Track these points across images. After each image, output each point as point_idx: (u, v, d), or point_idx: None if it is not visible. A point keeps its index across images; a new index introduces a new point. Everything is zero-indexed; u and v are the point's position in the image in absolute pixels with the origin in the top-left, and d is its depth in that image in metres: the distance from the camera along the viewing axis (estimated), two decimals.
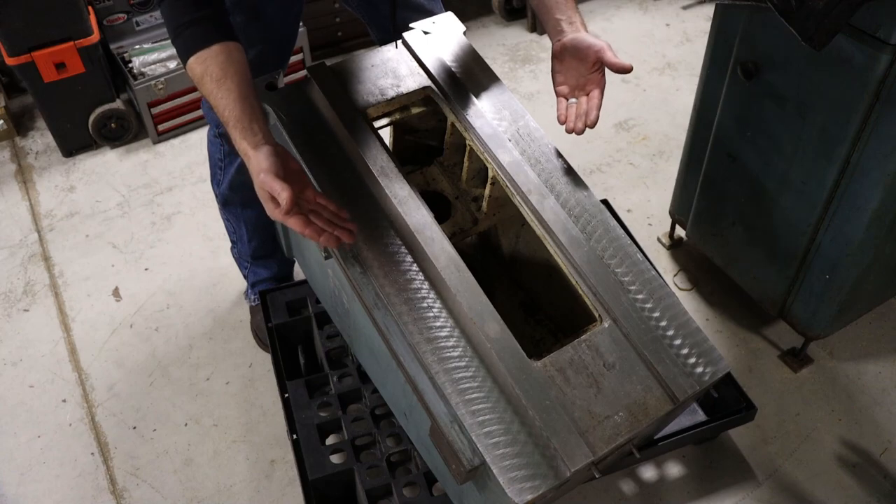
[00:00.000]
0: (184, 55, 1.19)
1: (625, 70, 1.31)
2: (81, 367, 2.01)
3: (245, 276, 2.02)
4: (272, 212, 1.16)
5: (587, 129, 1.34)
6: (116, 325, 2.10)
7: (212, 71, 1.17)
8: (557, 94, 1.38)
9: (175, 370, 2.00)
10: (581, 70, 1.34)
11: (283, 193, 1.11)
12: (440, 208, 1.61)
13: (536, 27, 3.05)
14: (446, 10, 1.59)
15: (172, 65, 2.55)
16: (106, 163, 2.59)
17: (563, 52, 1.35)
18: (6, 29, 2.26)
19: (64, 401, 1.94)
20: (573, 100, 1.36)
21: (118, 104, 2.54)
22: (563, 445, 1.17)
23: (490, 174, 1.45)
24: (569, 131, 1.34)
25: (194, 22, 1.18)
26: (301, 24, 2.06)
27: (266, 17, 1.51)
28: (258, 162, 1.15)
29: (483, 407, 1.18)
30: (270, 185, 1.13)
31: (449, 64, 1.48)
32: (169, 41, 2.60)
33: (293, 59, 2.70)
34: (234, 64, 1.19)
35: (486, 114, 1.43)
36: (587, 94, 1.35)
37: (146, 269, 2.24)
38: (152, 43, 2.63)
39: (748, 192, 1.76)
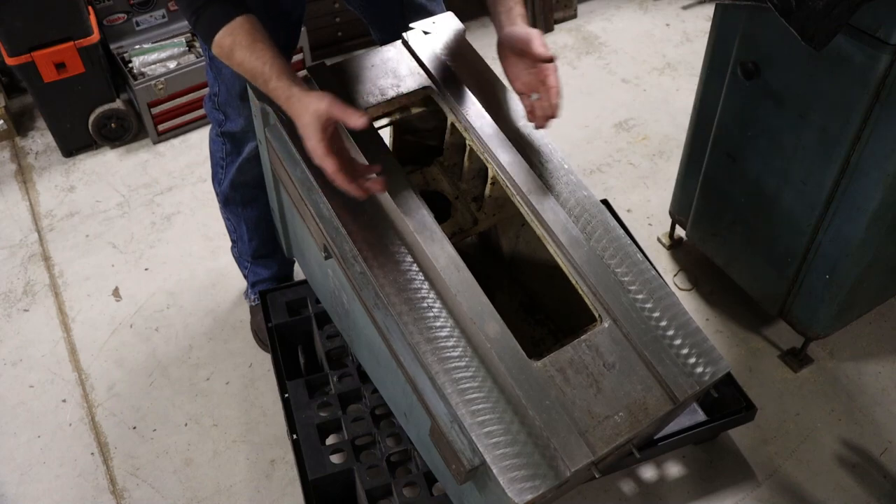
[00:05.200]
0: (209, 33, 1.22)
1: (547, 60, 1.25)
2: (81, 367, 2.01)
3: (245, 276, 2.02)
4: (319, 148, 1.17)
5: (553, 118, 1.30)
6: (116, 325, 2.10)
7: (240, 40, 1.20)
8: (517, 92, 1.35)
9: (175, 370, 2.00)
10: (526, 63, 1.30)
11: (355, 115, 1.14)
12: (440, 208, 1.61)
13: (536, 27, 3.05)
14: (446, 10, 1.59)
15: (172, 65, 2.55)
16: (106, 163, 2.59)
17: (502, 50, 1.33)
18: (6, 29, 2.26)
19: (64, 401, 1.94)
20: (535, 95, 1.32)
21: (118, 104, 2.54)
22: (563, 445, 1.17)
23: (490, 174, 1.45)
24: (537, 128, 1.33)
25: (212, 1, 1.21)
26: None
27: (272, 16, 1.50)
28: (319, 95, 1.17)
29: (483, 407, 1.18)
30: (341, 108, 1.15)
31: (449, 64, 1.48)
32: (169, 41, 2.63)
33: (293, 59, 2.70)
34: (261, 32, 1.22)
35: (486, 114, 1.43)
36: (545, 85, 1.29)
37: (146, 269, 2.24)
38: (152, 43, 2.63)
39: (748, 192, 1.76)
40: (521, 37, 1.28)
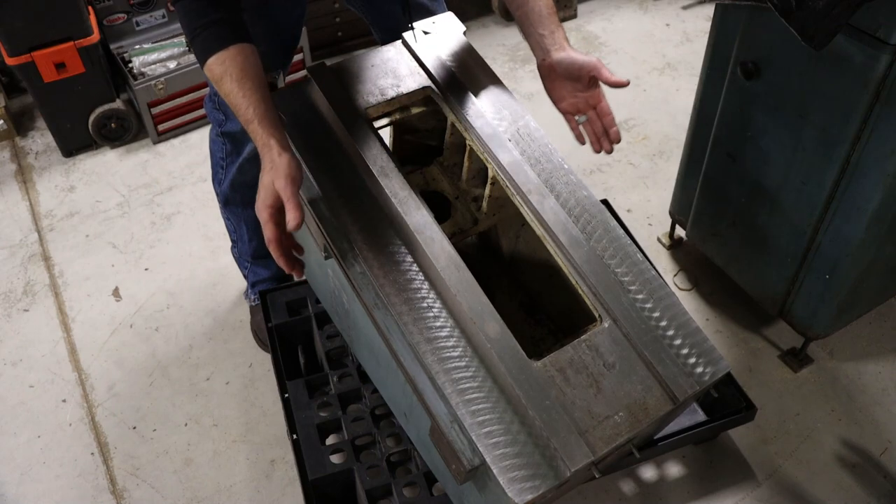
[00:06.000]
0: (202, 56, 1.21)
1: (622, 85, 1.30)
2: (81, 367, 2.01)
3: (245, 276, 2.02)
4: (265, 212, 1.16)
5: (618, 142, 1.34)
6: (116, 325, 2.10)
7: (232, 71, 1.20)
8: (562, 112, 1.37)
9: (175, 370, 2.00)
10: (577, 87, 1.34)
11: (295, 212, 1.13)
12: (440, 208, 1.61)
13: None
14: (447, 11, 1.60)
15: (172, 65, 2.55)
16: (106, 163, 2.59)
17: (552, 73, 1.35)
18: (6, 29, 2.26)
19: (64, 401, 1.94)
20: (582, 117, 1.35)
21: (118, 104, 2.54)
22: (563, 445, 1.17)
23: (490, 174, 1.45)
24: (597, 151, 1.34)
25: (212, 23, 1.20)
26: None
27: (271, 15, 1.51)
28: (287, 165, 1.16)
29: (483, 407, 1.18)
30: (291, 192, 1.14)
31: (449, 64, 1.48)
32: (169, 41, 2.63)
33: (293, 59, 2.70)
34: (253, 66, 1.22)
35: (486, 114, 1.43)
36: (595, 109, 1.33)
37: (146, 269, 2.24)
38: (152, 43, 2.63)
39: (748, 192, 1.76)
40: (586, 65, 1.31)
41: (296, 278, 1.20)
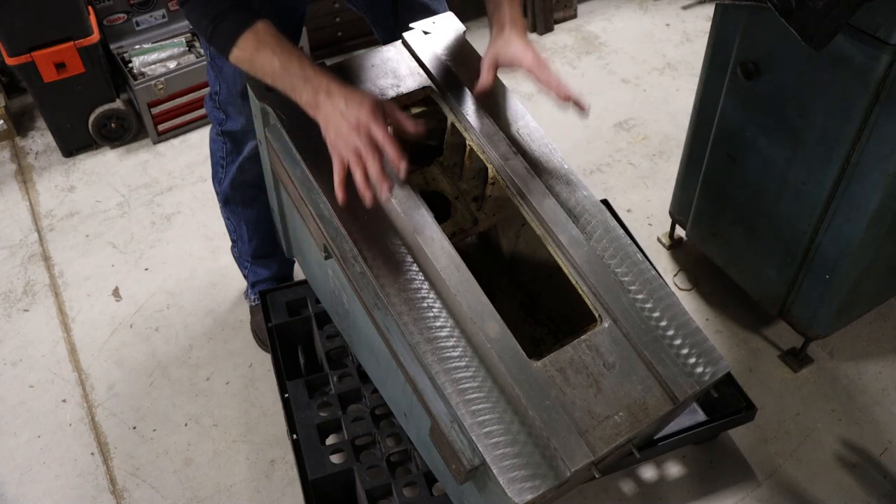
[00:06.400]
0: (232, 36, 1.24)
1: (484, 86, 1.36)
2: (81, 367, 2.01)
3: (245, 276, 2.02)
4: (381, 118, 1.20)
5: (570, 97, 1.30)
6: (116, 325, 2.10)
7: (267, 40, 1.24)
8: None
9: (175, 370, 2.00)
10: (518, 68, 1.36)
11: (409, 121, 1.23)
12: (440, 208, 1.61)
13: (536, 27, 3.05)
14: (447, 10, 1.59)
15: (172, 65, 2.55)
16: (106, 163, 2.59)
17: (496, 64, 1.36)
18: (6, 29, 2.26)
19: (64, 401, 1.94)
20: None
21: (118, 104, 2.54)
22: (563, 445, 1.17)
23: (490, 174, 1.45)
24: (567, 101, 1.31)
25: (231, 8, 1.24)
26: None
27: (272, 15, 1.50)
28: (369, 96, 1.22)
29: (483, 407, 1.18)
30: (400, 112, 1.24)
31: (449, 64, 1.48)
32: (169, 41, 2.63)
33: None
34: (282, 36, 1.26)
35: (486, 114, 1.43)
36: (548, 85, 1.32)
37: (146, 269, 2.24)
38: (152, 43, 2.63)
39: (748, 192, 1.76)
40: (516, 61, 1.34)
41: (382, 198, 1.24)
